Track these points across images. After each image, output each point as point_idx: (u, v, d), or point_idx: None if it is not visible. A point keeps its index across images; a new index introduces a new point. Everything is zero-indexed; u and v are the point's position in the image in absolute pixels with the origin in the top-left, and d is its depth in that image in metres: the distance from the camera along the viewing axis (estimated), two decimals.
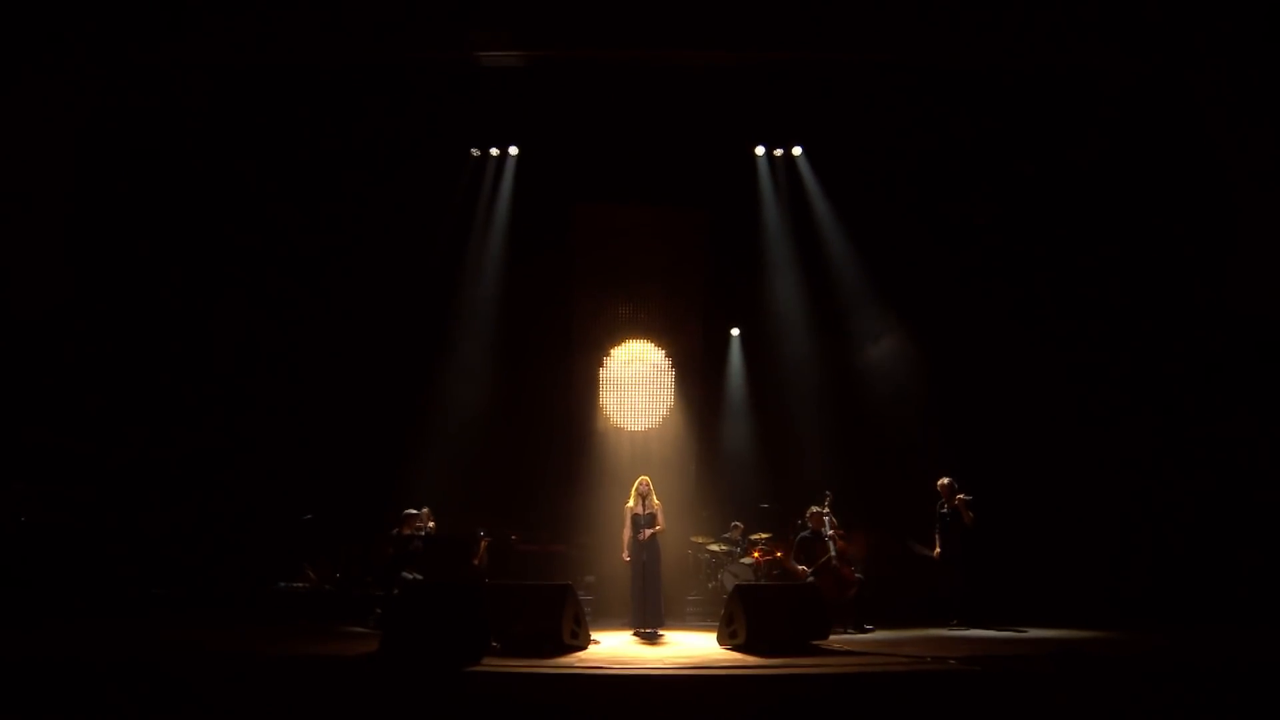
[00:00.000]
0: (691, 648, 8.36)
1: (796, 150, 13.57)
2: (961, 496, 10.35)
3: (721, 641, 8.21)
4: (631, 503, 10.13)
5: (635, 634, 9.70)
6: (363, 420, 12.96)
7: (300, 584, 12.64)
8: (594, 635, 8.98)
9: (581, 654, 7.66)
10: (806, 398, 13.18)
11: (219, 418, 12.60)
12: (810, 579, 9.89)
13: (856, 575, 10.14)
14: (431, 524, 11.83)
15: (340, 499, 12.65)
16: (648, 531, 9.92)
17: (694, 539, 12.52)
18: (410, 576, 10.75)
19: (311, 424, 12.79)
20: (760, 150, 13.63)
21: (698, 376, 13.69)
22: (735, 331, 13.92)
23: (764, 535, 12.45)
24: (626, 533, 10.09)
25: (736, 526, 12.47)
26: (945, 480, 10.58)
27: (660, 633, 9.79)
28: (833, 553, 10.09)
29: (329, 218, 12.92)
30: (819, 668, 6.59)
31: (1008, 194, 12.57)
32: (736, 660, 7.16)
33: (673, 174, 13.26)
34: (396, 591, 10.42)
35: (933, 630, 9.88)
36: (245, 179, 12.54)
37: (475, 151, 13.55)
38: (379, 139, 12.84)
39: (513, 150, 13.55)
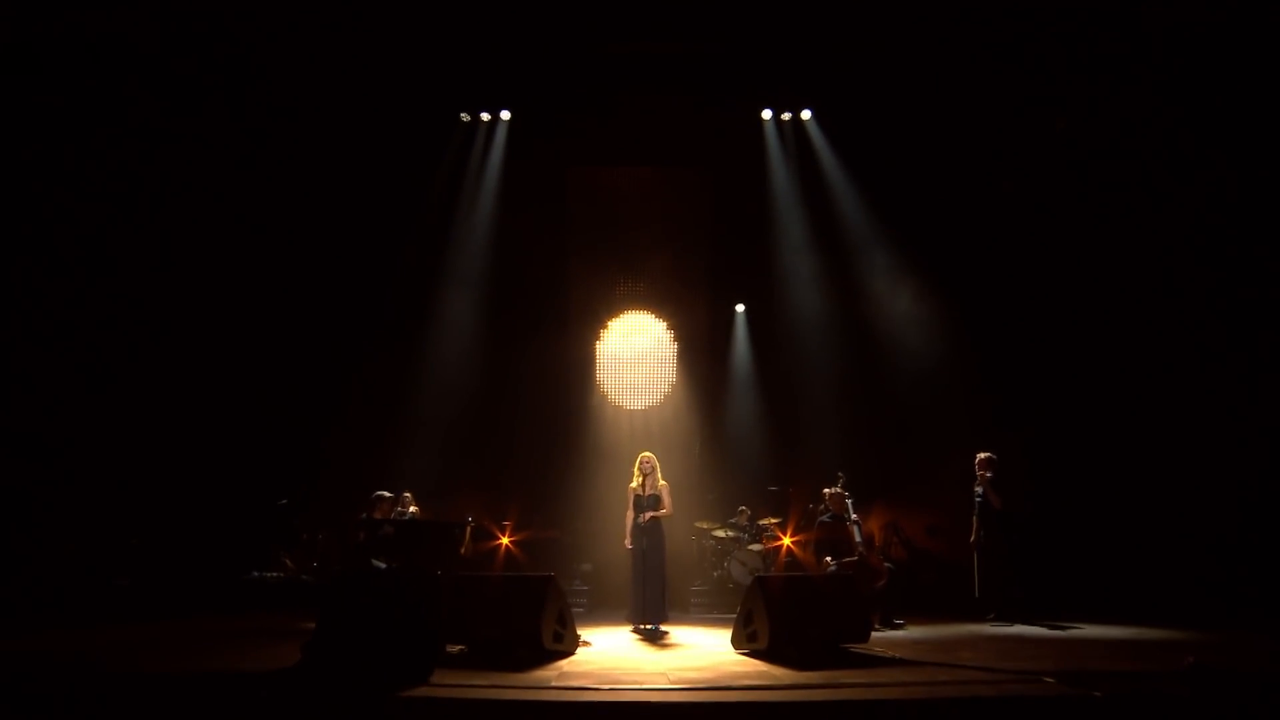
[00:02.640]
0: (701, 651, 6.27)
1: (806, 114, 11.53)
2: (984, 474, 8.28)
3: (737, 644, 6.13)
4: (634, 482, 8.10)
5: (634, 630, 7.68)
6: (343, 398, 10.93)
7: (275, 574, 10.69)
8: (586, 635, 6.95)
9: (565, 662, 5.58)
10: (817, 373, 11.08)
11: (186, 392, 10.50)
12: (831, 570, 7.83)
13: (885, 564, 8.07)
14: (414, 509, 9.89)
15: (319, 482, 10.66)
16: (648, 514, 7.89)
17: (698, 524, 10.54)
18: (381, 566, 8.75)
19: (289, 402, 10.71)
20: (767, 114, 11.57)
21: (702, 351, 11.57)
22: (740, 308, 11.83)
23: (773, 520, 10.51)
24: (629, 516, 8.07)
25: (743, 511, 10.60)
26: (982, 455, 8.50)
27: (663, 629, 7.77)
28: (858, 538, 8.00)
29: (303, 183, 10.85)
30: (874, 688, 4.45)
31: (1039, 156, 10.49)
32: (759, 673, 5.07)
33: (675, 139, 11.28)
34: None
35: (970, 626, 7.80)
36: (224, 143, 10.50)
37: (465, 116, 11.50)
38: (364, 101, 10.79)
39: (504, 115, 11.51)
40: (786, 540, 10.73)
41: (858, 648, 5.84)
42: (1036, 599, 8.04)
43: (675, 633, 7.56)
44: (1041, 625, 7.63)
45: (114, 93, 9.77)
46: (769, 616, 5.60)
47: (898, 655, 5.65)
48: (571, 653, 5.95)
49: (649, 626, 7.75)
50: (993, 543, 8.23)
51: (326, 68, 10.30)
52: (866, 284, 11.15)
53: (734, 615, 9.54)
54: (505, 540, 11.01)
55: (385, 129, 10.96)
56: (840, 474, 9.25)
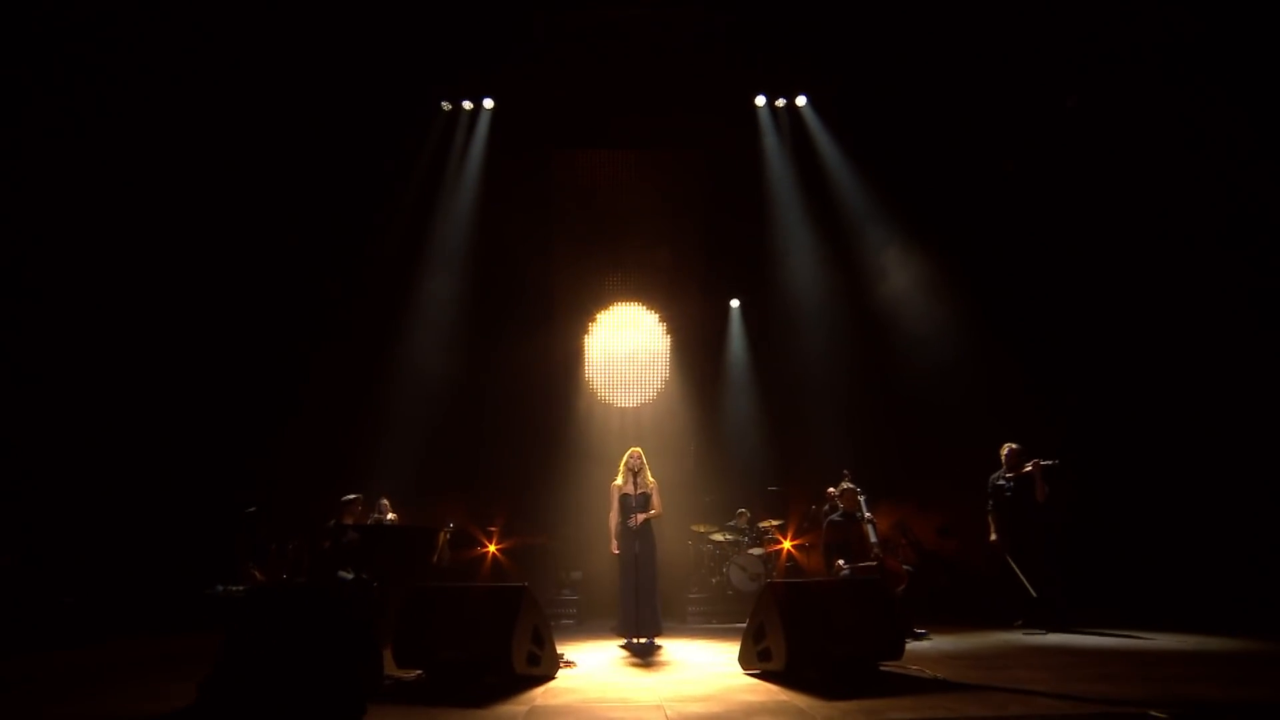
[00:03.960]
0: (703, 673, 5.03)
1: (801, 100, 10.47)
2: (1038, 461, 7.10)
3: (746, 664, 4.93)
4: (620, 480, 6.94)
5: (625, 646, 6.49)
6: (315, 398, 9.69)
7: (240, 587, 9.44)
8: (572, 652, 5.77)
9: (541, 691, 4.38)
10: (818, 366, 9.93)
11: (137, 390, 9.24)
12: (845, 574, 6.65)
13: (905, 567, 6.88)
14: (392, 515, 8.73)
15: (289, 488, 9.42)
16: (640, 516, 6.74)
17: (695, 528, 9.34)
18: (348, 576, 7.54)
19: (255, 402, 9.48)
20: (761, 100, 10.50)
21: (697, 344, 10.41)
22: (735, 303, 10.69)
23: (773, 522, 9.35)
24: (614, 518, 6.90)
25: (742, 513, 9.47)
26: (1013, 446, 7.35)
27: (657, 642, 6.61)
28: (873, 539, 6.82)
29: (275, 174, 9.67)
30: None
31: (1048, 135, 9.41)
32: (777, 703, 3.89)
33: (666, 124, 10.20)
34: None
35: (1000, 635, 6.62)
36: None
37: (446, 105, 10.40)
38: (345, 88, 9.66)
39: (487, 103, 10.41)
40: (787, 544, 9.60)
41: (891, 666, 4.65)
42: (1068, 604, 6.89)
43: (671, 648, 6.36)
44: (1079, 633, 6.46)
45: (85, 71, 8.61)
46: (785, 631, 4.42)
47: (940, 676, 4.46)
48: (550, 677, 4.76)
49: (642, 641, 6.59)
50: (1026, 541, 7.08)
51: (301, 50, 9.18)
52: (868, 273, 10.03)
53: (736, 625, 8.42)
54: (492, 548, 9.85)
55: (361, 114, 9.83)
56: (845, 471, 8.19)
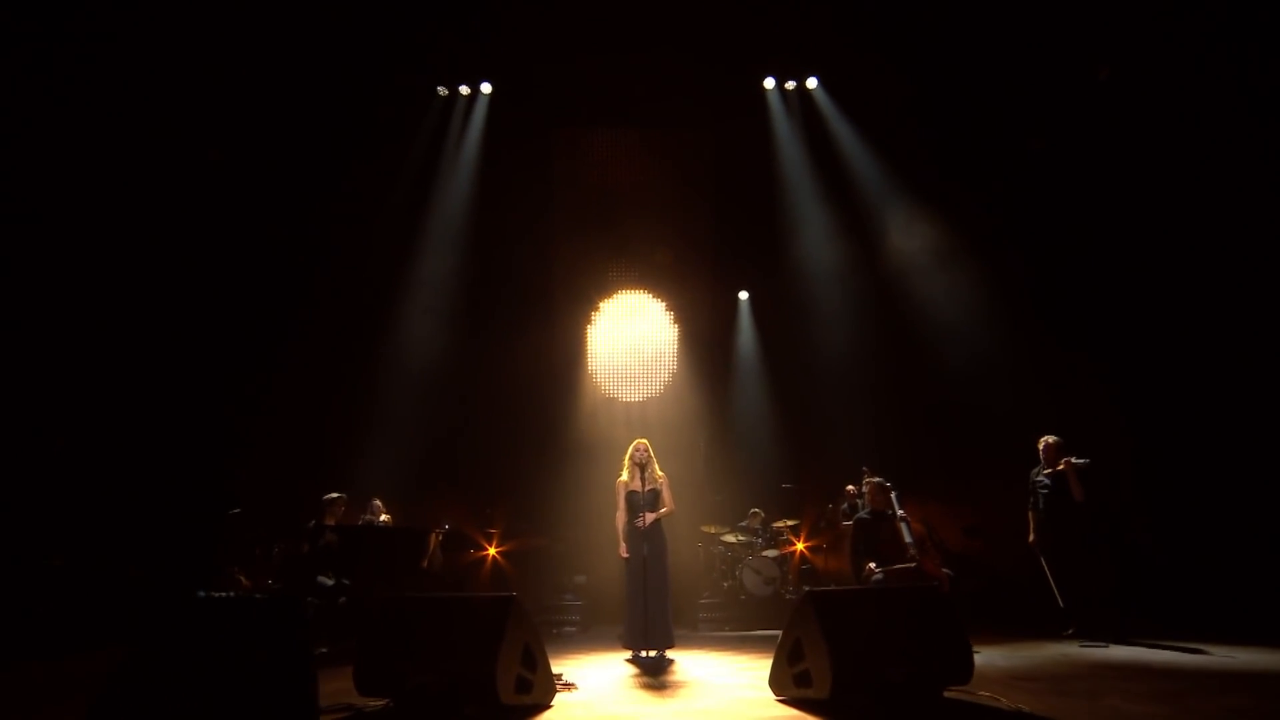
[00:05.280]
0: (726, 699, 4.00)
1: (811, 82, 9.56)
2: (1072, 460, 6.13)
3: (779, 688, 3.92)
4: (625, 476, 5.99)
5: (633, 660, 5.52)
6: (303, 392, 8.75)
7: (225, 592, 8.47)
8: (573, 669, 4.81)
9: None
10: (833, 357, 8.98)
11: (115, 381, 8.29)
12: (878, 579, 5.67)
13: (945, 571, 5.89)
14: (385, 516, 7.80)
15: (276, 488, 8.47)
16: (649, 516, 5.78)
17: (705, 528, 8.37)
18: (328, 582, 6.58)
19: (241, 397, 8.53)
20: (770, 83, 9.59)
21: (706, 333, 9.44)
22: (744, 295, 9.74)
23: (789, 522, 8.40)
24: (620, 518, 5.94)
25: (755, 513, 8.53)
26: (1051, 439, 6.37)
27: (668, 655, 5.63)
28: (908, 538, 5.82)
29: (263, 162, 8.75)
30: None
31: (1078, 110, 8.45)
32: None
33: (673, 107, 9.28)
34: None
35: (1054, 647, 5.62)
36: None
37: (442, 90, 9.51)
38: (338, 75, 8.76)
39: (485, 88, 9.51)
40: (800, 545, 8.63)
41: (956, 692, 3.67)
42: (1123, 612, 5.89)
43: (685, 663, 5.37)
44: (1144, 645, 5.46)
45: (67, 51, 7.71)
46: (829, 651, 3.43)
47: (1021, 707, 3.47)
48: (545, 706, 3.79)
49: (651, 654, 5.61)
50: (1066, 543, 6.09)
51: (292, 35, 8.29)
52: (888, 260, 9.08)
53: (750, 633, 7.46)
54: (492, 550, 8.88)
55: (353, 99, 8.93)
56: (865, 468, 7.27)
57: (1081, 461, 6.12)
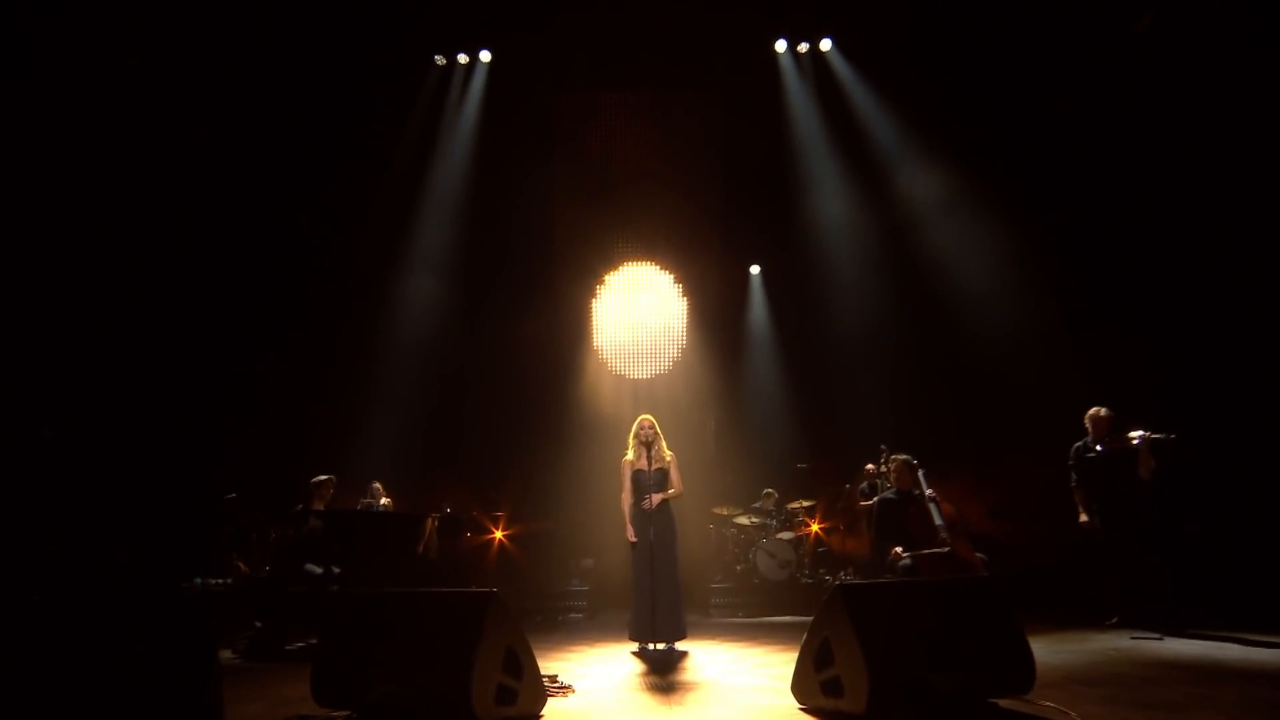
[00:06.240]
0: (744, 708, 3.35)
1: (826, 44, 8.79)
2: (1144, 434, 5.30)
3: (804, 696, 3.26)
4: (631, 455, 5.36)
5: (640, 654, 4.91)
6: (302, 374, 8.17)
7: (221, 579, 7.96)
8: (574, 661, 4.21)
9: None
10: (849, 332, 8.29)
11: (106, 364, 7.73)
12: (905, 564, 5.02)
13: (978, 555, 5.22)
14: (386, 500, 7.24)
15: (276, 472, 7.92)
16: (655, 497, 5.16)
17: (717, 510, 7.76)
18: (317, 570, 6.02)
19: (234, 376, 7.96)
20: (782, 46, 8.84)
21: (716, 307, 8.78)
22: (755, 269, 9.05)
23: (804, 503, 7.77)
24: (626, 499, 5.32)
25: (769, 494, 7.92)
26: (1103, 411, 5.62)
27: (679, 648, 5.01)
28: (939, 521, 5.15)
29: (257, 137, 8.11)
30: None
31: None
32: None
33: (681, 69, 8.55)
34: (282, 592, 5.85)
35: (1100, 639, 4.95)
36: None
37: (440, 59, 8.84)
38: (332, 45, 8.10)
39: (484, 56, 8.83)
40: (815, 527, 8.00)
41: (1015, 702, 3.02)
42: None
43: (697, 658, 4.76)
44: (1200, 638, 4.78)
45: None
46: (865, 655, 2.79)
47: None
48: (533, 717, 3.17)
49: (660, 647, 5.00)
50: (1121, 524, 5.39)
51: (285, 6, 7.64)
52: (906, 230, 8.33)
53: (764, 620, 6.84)
54: (499, 534, 8.34)
55: (348, 70, 8.27)
56: (883, 447, 6.64)
57: (1162, 436, 5.31)
